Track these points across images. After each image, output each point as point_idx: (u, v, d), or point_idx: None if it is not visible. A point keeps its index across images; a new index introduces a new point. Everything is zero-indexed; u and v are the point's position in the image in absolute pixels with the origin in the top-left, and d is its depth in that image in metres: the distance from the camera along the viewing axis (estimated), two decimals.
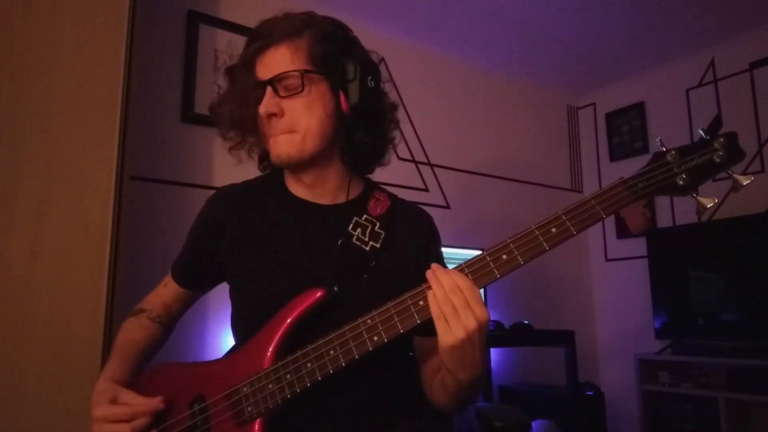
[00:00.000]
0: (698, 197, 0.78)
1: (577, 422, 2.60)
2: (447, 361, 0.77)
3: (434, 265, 0.79)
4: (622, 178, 0.80)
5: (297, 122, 0.91)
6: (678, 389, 2.80)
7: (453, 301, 0.74)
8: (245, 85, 0.94)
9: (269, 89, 0.91)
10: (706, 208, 0.77)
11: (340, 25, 0.97)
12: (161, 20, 2.26)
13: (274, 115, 0.91)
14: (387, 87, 1.03)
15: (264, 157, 1.05)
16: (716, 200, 0.77)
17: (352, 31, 0.98)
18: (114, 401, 0.84)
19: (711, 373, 2.73)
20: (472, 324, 0.73)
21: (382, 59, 1.06)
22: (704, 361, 2.73)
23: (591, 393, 2.81)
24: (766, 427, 2.62)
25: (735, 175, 0.77)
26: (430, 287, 0.77)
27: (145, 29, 1.89)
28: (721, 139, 0.77)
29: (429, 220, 1.06)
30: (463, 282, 0.75)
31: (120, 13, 1.57)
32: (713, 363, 2.70)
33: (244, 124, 0.97)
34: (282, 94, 0.91)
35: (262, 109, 0.91)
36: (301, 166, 0.96)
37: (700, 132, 0.79)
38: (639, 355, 2.97)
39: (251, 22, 1.00)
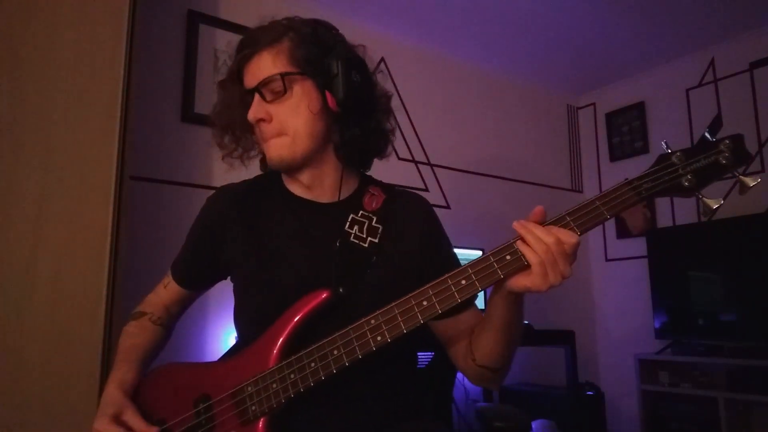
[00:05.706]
0: (704, 198, 0.77)
1: (577, 422, 2.60)
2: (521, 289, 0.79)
3: (521, 222, 0.79)
4: (627, 179, 0.79)
5: (285, 125, 0.93)
6: (678, 389, 2.80)
7: (553, 250, 0.75)
8: (234, 95, 0.98)
9: (257, 96, 0.93)
10: (712, 209, 0.76)
11: (324, 24, 0.97)
12: (161, 20, 2.26)
13: (263, 120, 0.93)
14: (381, 79, 1.04)
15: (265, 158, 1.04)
16: (722, 201, 0.76)
17: (336, 30, 0.99)
18: (117, 418, 0.85)
19: (711, 373, 2.73)
20: (568, 272, 0.76)
21: (387, 55, 1.07)
22: (704, 361, 2.73)
23: (591, 393, 2.81)
24: (766, 427, 2.62)
25: (741, 177, 0.76)
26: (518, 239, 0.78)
27: (145, 29, 1.89)
28: (727, 141, 0.76)
29: (425, 204, 1.06)
30: (564, 235, 0.76)
31: (120, 13, 1.58)
32: (713, 363, 2.70)
33: (237, 132, 1.02)
34: (268, 99, 0.93)
35: (251, 115, 0.93)
36: (295, 167, 0.97)
37: (706, 134, 0.78)
38: (639, 355, 2.97)
39: (251, 22, 1.00)
